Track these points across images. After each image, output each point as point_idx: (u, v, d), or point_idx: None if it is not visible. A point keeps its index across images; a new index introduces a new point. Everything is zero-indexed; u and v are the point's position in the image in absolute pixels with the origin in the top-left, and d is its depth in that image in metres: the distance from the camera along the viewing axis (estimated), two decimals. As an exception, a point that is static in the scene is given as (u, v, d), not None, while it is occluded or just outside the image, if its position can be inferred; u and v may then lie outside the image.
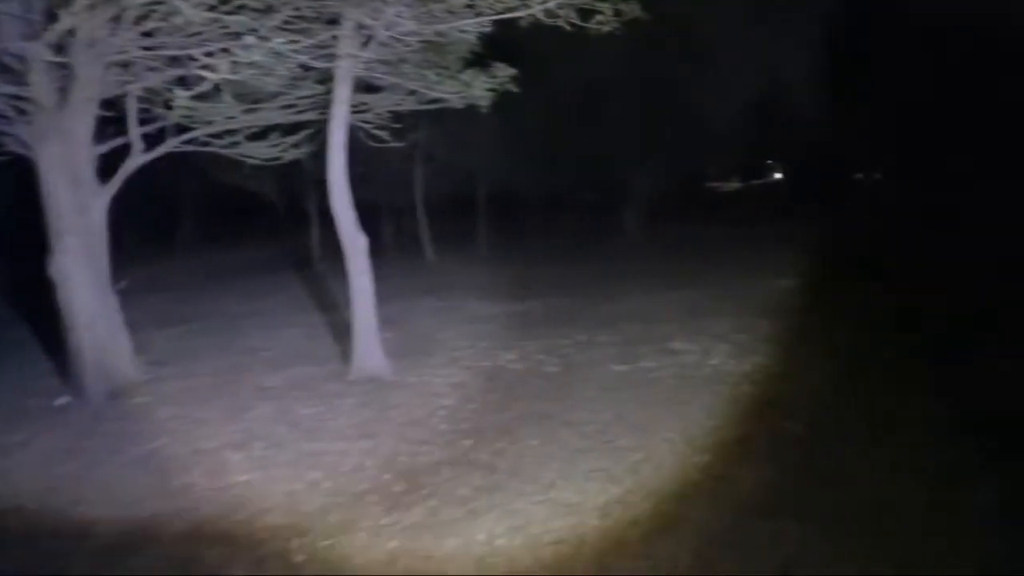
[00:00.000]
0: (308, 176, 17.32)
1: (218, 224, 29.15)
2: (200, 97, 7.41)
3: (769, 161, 51.89)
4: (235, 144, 9.17)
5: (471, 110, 9.28)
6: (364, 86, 8.81)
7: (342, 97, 7.26)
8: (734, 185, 56.49)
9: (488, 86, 7.68)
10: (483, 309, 11.87)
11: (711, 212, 31.36)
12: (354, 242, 7.54)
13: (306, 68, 7.59)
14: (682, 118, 21.88)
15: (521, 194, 23.78)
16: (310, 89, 8.45)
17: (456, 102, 8.45)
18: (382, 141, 9.24)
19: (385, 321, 9.71)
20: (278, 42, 5.84)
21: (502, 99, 8.62)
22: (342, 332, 9.14)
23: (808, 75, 17.57)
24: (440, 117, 17.73)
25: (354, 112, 8.50)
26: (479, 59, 8.38)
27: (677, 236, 22.20)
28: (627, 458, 5.25)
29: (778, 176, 53.21)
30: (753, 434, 5.56)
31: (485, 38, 8.00)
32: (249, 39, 5.64)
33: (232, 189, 20.23)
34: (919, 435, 5.31)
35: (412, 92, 8.62)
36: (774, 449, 5.22)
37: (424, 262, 18.93)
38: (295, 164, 14.88)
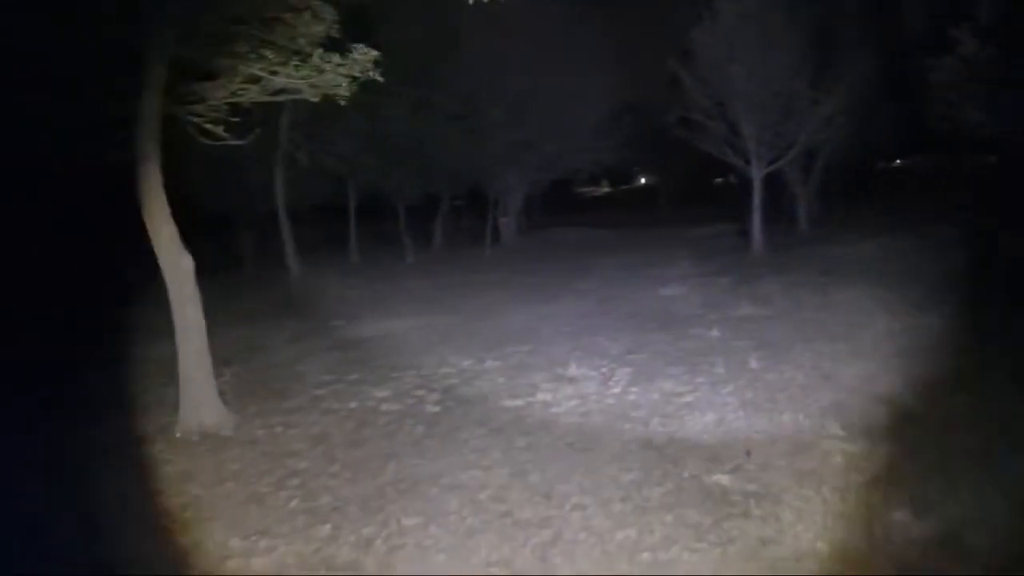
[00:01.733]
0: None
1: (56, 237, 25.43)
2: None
3: (635, 167, 52.97)
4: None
5: (339, 110, 7.83)
6: (201, 73, 7.10)
7: (153, 81, 5.57)
8: (604, 189, 57.51)
9: (345, 72, 6.20)
10: (353, 331, 10.34)
11: (584, 216, 31.17)
12: (175, 265, 5.83)
13: (108, 42, 5.81)
14: (553, 124, 21.24)
15: (394, 200, 22.16)
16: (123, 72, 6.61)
17: (309, 92, 6.91)
18: (217, 138, 7.50)
19: (232, 353, 8.04)
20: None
21: (369, 97, 7.21)
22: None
23: (673, 83, 17.19)
24: (306, 117, 16.14)
25: (184, 103, 6.80)
26: (337, 44, 6.92)
27: (553, 242, 21.47)
28: (533, 539, 4.02)
29: (644, 181, 54.46)
30: (679, 492, 4.48)
31: (347, 22, 6.61)
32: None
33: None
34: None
35: (257, 80, 6.99)
36: (710, 515, 4.15)
37: (288, 276, 16.96)
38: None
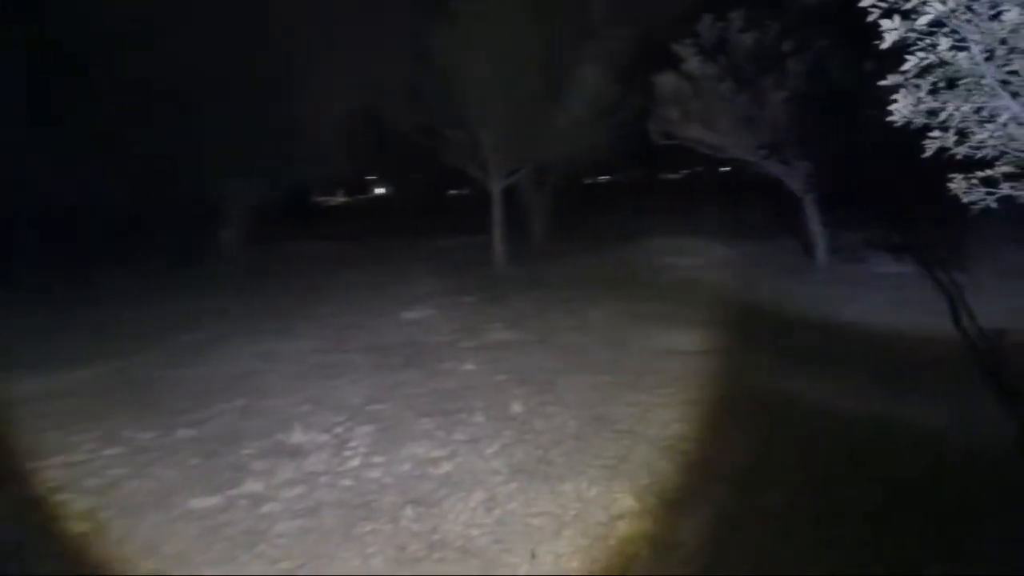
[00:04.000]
0: None
1: None
2: None
3: (372, 176, 51.23)
4: None
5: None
6: None
7: None
8: (340, 199, 54.85)
9: None
10: (4, 388, 7.24)
11: (320, 227, 28.74)
12: None
13: None
14: (282, 127, 18.76)
15: (92, 211, 17.81)
16: None
17: None
18: None
19: None
20: None
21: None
22: None
23: (412, 89, 15.95)
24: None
25: None
26: None
27: (285, 257, 18.92)
28: None
29: (381, 191, 52.95)
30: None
31: None
32: None
33: None
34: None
35: None
36: None
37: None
38: None
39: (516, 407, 5.94)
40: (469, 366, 7.25)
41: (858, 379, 6.22)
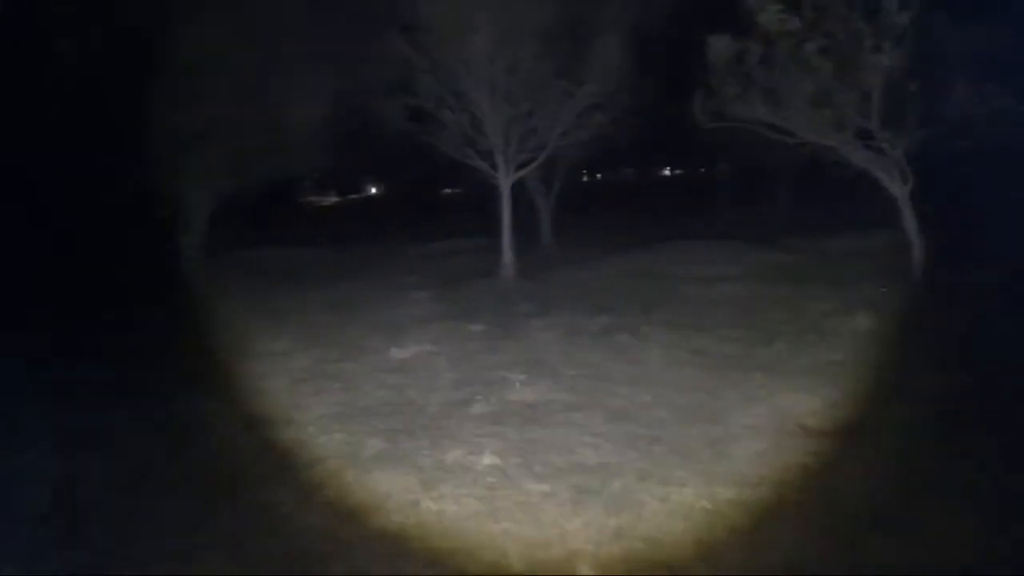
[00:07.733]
0: None
1: None
2: None
3: (365, 175, 48.22)
4: None
5: None
6: None
7: None
8: (332, 199, 51.88)
9: None
10: None
11: (302, 230, 25.87)
12: None
13: None
14: (262, 121, 15.88)
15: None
16: None
17: None
18: None
19: None
20: None
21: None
22: None
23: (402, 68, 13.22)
24: None
25: None
26: None
27: (252, 268, 15.91)
28: None
29: (374, 190, 49.98)
30: None
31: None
32: None
33: None
34: None
35: None
36: None
37: None
38: None
39: (583, 569, 3.17)
40: (490, 459, 4.43)
41: None
